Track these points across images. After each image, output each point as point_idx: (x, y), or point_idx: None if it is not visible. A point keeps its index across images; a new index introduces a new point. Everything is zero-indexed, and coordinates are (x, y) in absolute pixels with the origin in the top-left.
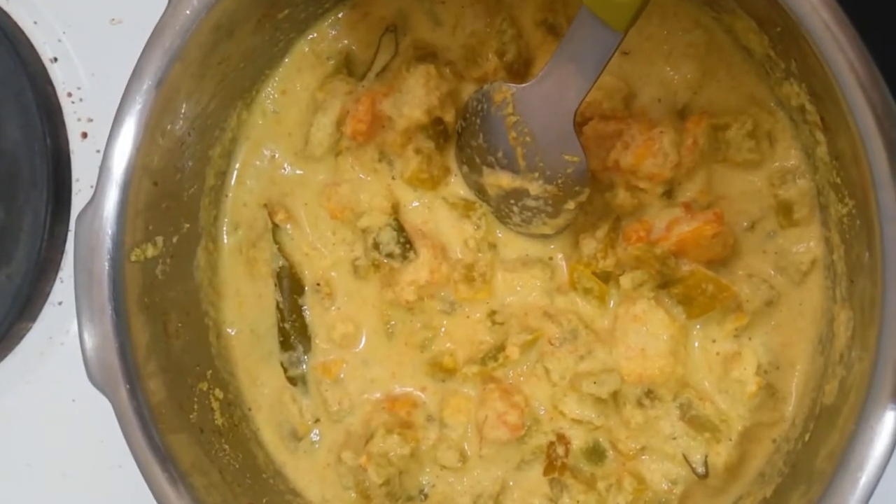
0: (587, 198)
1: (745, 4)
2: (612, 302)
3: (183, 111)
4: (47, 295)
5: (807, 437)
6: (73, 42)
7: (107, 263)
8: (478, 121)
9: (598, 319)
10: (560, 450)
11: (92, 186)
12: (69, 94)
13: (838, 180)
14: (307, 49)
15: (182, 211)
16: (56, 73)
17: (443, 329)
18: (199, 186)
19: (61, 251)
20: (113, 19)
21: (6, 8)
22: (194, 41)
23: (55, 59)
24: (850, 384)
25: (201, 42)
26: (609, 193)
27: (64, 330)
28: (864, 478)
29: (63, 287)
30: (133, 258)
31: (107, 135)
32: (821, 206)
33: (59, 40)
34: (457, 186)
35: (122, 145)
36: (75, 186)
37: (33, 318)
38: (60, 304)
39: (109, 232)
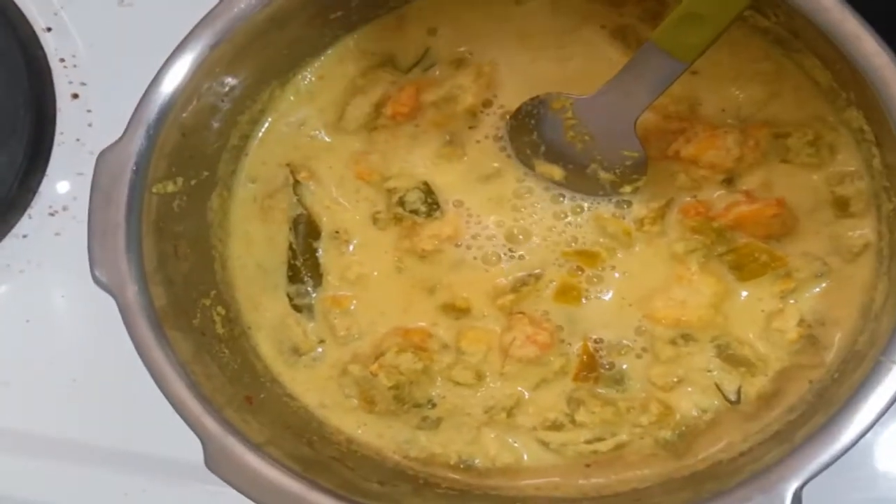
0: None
1: (811, 46)
2: (637, 246)
3: (220, 83)
4: (11, 227)
5: (836, 376)
6: (73, 16)
7: (126, 189)
8: (532, 121)
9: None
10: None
11: (77, 140)
12: (62, 60)
13: (887, 184)
14: (352, 44)
15: (203, 161)
16: (48, 41)
17: (452, 280)
18: (223, 144)
19: (34, 192)
20: (121, 1)
21: None
22: (244, 28)
23: (48, 29)
24: (877, 334)
25: (250, 30)
26: (668, 178)
27: (25, 260)
28: (874, 399)
29: (31, 223)
30: (154, 190)
31: (100, 98)
32: (876, 204)
33: (56, 13)
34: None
35: (158, 99)
36: (58, 139)
37: None
38: (25, 237)
39: (133, 166)
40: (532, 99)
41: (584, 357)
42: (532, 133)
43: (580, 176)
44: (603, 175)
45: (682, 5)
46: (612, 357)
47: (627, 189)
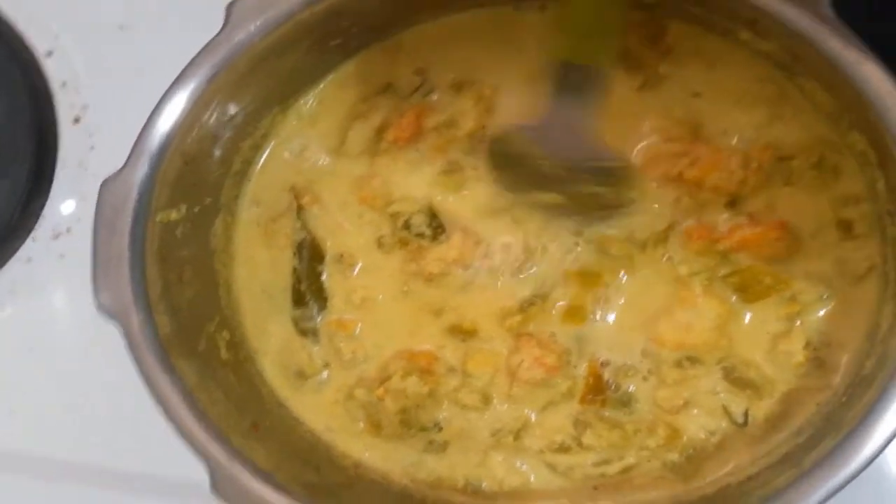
0: (642, 200)
1: (812, 70)
2: (641, 268)
3: (222, 111)
4: (15, 251)
5: (844, 399)
6: (73, 40)
7: (130, 219)
8: (506, 159)
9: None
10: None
11: (79, 163)
12: (63, 84)
13: (891, 207)
14: (353, 69)
15: (206, 188)
16: (49, 65)
17: (459, 302)
18: (225, 170)
19: (37, 216)
20: (122, 25)
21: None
22: (245, 57)
23: (49, 53)
24: (886, 357)
25: (251, 58)
26: (672, 201)
27: (29, 283)
28: (885, 423)
29: (35, 246)
30: (158, 219)
31: (101, 123)
32: (881, 227)
33: (56, 37)
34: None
35: (160, 129)
36: (61, 163)
37: None
38: (29, 260)
39: (136, 196)
40: (493, 141)
41: (591, 379)
42: (515, 167)
43: (575, 197)
44: (597, 190)
45: (569, 17)
46: (619, 379)
47: (630, 196)
